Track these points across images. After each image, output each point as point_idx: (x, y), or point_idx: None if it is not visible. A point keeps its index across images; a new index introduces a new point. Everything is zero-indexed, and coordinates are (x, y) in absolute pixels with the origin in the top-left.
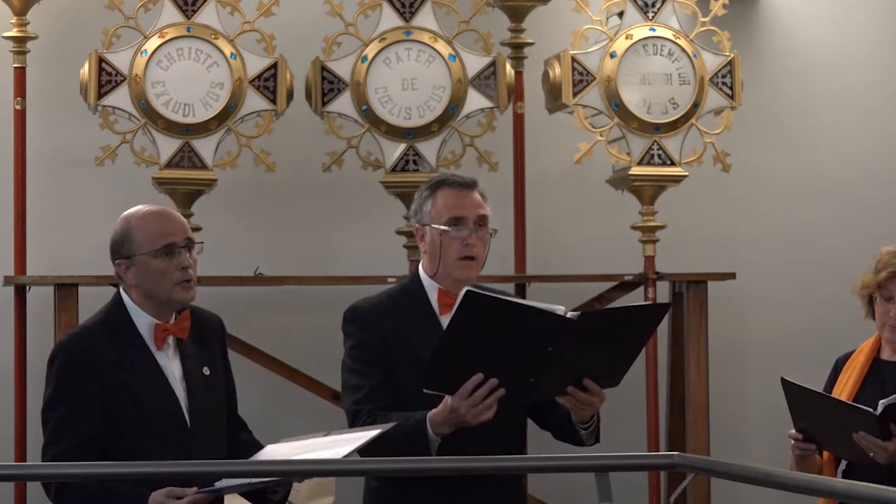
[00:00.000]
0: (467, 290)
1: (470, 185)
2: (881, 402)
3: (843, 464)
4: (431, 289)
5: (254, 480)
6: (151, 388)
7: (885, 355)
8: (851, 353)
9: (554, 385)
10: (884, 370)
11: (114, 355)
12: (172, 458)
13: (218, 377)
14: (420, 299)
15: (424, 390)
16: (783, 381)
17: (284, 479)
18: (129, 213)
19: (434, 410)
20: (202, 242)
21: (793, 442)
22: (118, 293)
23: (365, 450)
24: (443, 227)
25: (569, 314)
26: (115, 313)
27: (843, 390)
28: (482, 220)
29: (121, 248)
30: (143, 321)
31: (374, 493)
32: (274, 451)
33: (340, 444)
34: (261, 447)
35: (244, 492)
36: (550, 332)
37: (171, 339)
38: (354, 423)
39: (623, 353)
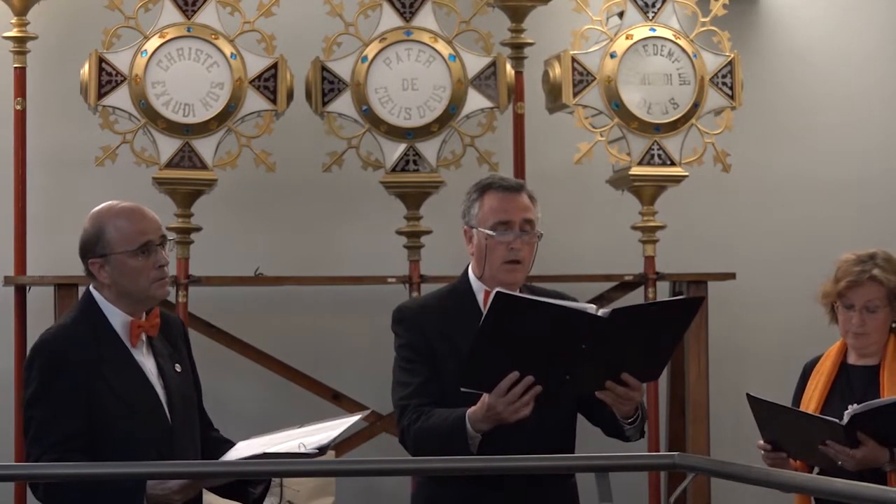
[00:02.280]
0: (497, 292)
1: (517, 188)
2: (847, 412)
3: (817, 470)
4: (479, 290)
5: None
6: (132, 384)
7: (852, 359)
8: (819, 358)
9: (591, 381)
10: (851, 374)
11: (93, 352)
12: (155, 454)
13: (188, 375)
14: (467, 300)
15: (462, 388)
16: (749, 397)
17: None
18: (101, 211)
19: (473, 408)
20: (173, 238)
21: (763, 452)
22: (88, 291)
23: (414, 448)
24: (489, 232)
25: (600, 312)
26: (89, 311)
27: (812, 396)
28: (528, 225)
29: (94, 247)
30: (118, 319)
31: (420, 488)
32: (248, 447)
33: (313, 434)
34: (232, 444)
35: (225, 485)
36: (583, 330)
37: (143, 337)
38: (401, 418)
39: (659, 347)
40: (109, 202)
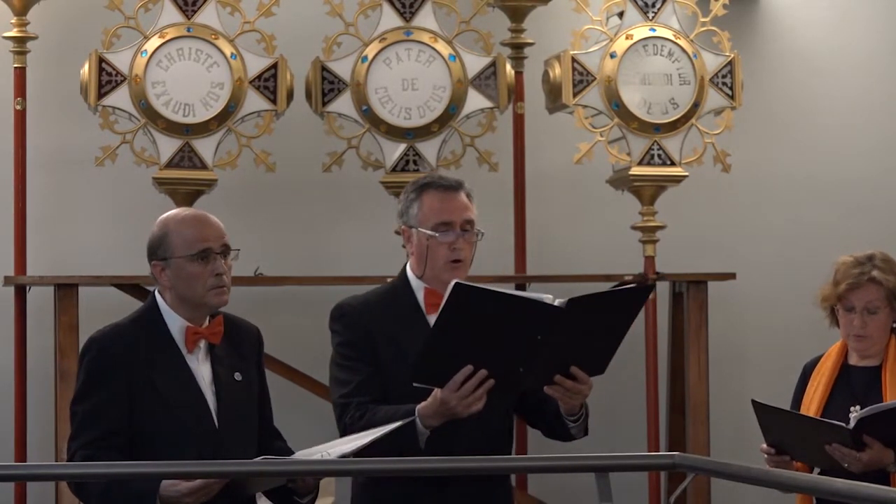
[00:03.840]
0: (456, 283)
1: (455, 187)
2: (853, 415)
3: (817, 471)
4: (418, 288)
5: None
6: (179, 388)
7: (853, 360)
8: (819, 358)
9: (542, 374)
10: (852, 375)
11: (143, 354)
12: (196, 458)
13: (251, 384)
14: (407, 298)
15: (414, 384)
16: (754, 403)
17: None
18: (168, 216)
19: (423, 403)
20: (238, 249)
21: (766, 457)
22: (153, 295)
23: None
24: (429, 232)
25: (556, 302)
26: (149, 314)
27: (814, 397)
28: (469, 224)
29: (157, 250)
30: (176, 323)
31: (363, 489)
32: (304, 456)
33: (356, 440)
34: (292, 455)
35: (273, 494)
36: (540, 321)
37: (202, 343)
38: (343, 416)
39: (608, 338)
40: (179, 208)
